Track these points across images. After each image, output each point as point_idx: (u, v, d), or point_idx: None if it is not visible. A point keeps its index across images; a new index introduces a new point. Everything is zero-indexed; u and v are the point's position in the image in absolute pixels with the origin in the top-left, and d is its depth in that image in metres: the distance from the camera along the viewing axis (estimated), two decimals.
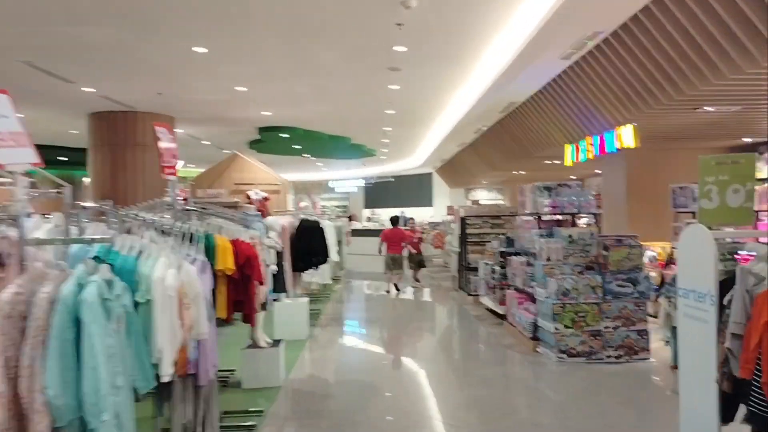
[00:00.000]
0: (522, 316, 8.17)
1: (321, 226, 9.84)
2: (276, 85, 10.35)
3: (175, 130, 14.41)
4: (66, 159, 17.59)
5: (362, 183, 29.90)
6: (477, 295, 11.73)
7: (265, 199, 12.44)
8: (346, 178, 29.82)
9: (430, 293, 14.68)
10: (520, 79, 9.17)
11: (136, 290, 2.73)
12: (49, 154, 17.38)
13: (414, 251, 13.94)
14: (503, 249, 9.94)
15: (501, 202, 23.95)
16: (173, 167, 4.83)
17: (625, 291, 7.15)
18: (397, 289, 13.01)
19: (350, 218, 29.96)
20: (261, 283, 4.71)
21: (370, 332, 9.85)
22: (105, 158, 11.91)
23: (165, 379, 2.71)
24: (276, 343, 6.59)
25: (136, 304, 2.71)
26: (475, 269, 12.05)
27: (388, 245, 12.93)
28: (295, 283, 9.84)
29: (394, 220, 13.52)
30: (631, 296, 7.14)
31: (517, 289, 8.79)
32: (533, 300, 7.96)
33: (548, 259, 7.46)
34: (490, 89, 9.90)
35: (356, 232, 26.14)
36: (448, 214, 21.74)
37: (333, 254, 12.32)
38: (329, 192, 32.56)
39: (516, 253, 9.24)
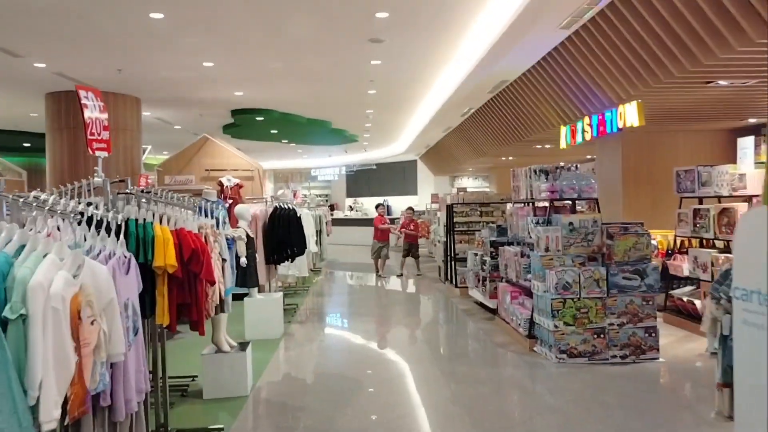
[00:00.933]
0: (516, 311, 7.45)
1: (297, 215, 9.04)
2: (246, 60, 9.48)
3: (143, 113, 13.55)
4: (29, 145, 16.55)
5: (344, 171, 29.02)
6: (465, 287, 11.04)
7: (239, 186, 11.59)
8: (328, 165, 28.93)
9: (415, 284, 13.97)
10: (514, 52, 8.39)
11: (3, 302, 1.93)
12: (13, 140, 16.37)
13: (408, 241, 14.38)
14: (494, 238, 9.22)
15: (487, 189, 23.25)
16: (104, 142, 3.99)
17: (632, 284, 6.45)
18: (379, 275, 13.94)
19: (332, 207, 29.17)
20: (211, 283, 3.90)
21: (350, 328, 9.08)
22: (63, 142, 10.97)
23: (47, 427, 1.90)
24: (243, 346, 5.80)
25: (5, 323, 1.91)
26: (463, 260, 11.35)
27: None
28: (269, 276, 9.05)
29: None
30: (638, 290, 6.44)
31: (510, 282, 8.07)
32: (529, 294, 7.24)
33: (546, 250, 6.72)
34: (480, 65, 9.11)
35: (338, 222, 25.44)
36: (433, 202, 21.04)
37: (311, 245, 11.53)
38: (312, 180, 31.64)
39: (509, 243, 8.52)
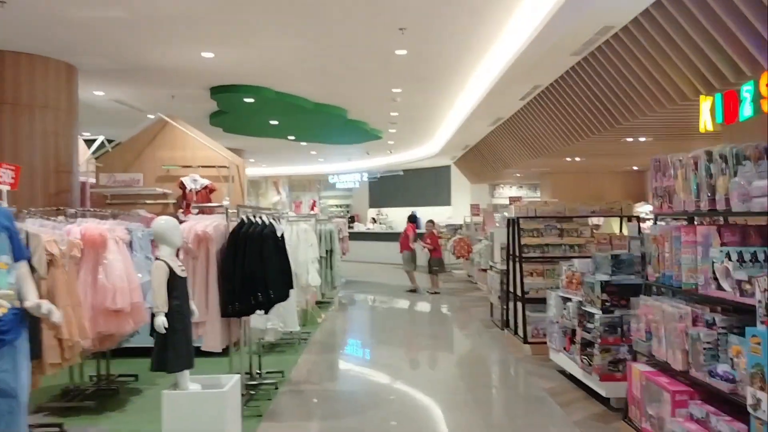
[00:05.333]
0: None
1: (273, 233, 5.43)
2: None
3: (94, 92, 10.09)
4: None
5: (366, 178, 25.36)
6: (539, 344, 7.39)
7: (208, 189, 8.04)
8: (348, 171, 25.30)
9: (459, 328, 10.31)
10: None
11: None
12: None
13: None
14: (606, 277, 5.53)
15: (537, 199, 19.44)
16: None
17: None
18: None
19: (352, 219, 25.62)
20: None
21: (365, 419, 5.36)
22: None
23: None
24: None
25: None
26: (537, 301, 7.66)
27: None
28: (230, 336, 5.45)
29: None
30: None
31: (660, 368, 4.34)
32: (719, 401, 3.52)
33: None
34: (565, 5, 5.52)
35: (358, 236, 21.93)
36: (473, 214, 17.33)
37: (311, 276, 7.91)
38: (330, 189, 28.07)
39: (646, 289, 4.78)
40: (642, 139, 10.25)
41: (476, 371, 7.40)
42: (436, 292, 13.48)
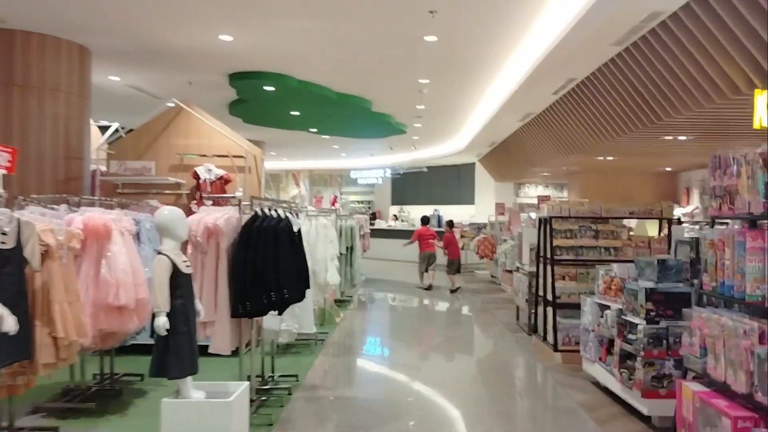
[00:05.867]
0: None
1: (289, 228, 5.04)
2: None
3: (111, 78, 9.79)
4: None
5: (389, 174, 24.90)
6: (571, 352, 6.95)
7: (223, 180, 7.68)
8: (371, 167, 24.87)
9: (483, 331, 9.87)
10: None
11: None
12: None
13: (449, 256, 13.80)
14: (651, 284, 5.05)
15: (565, 199, 18.84)
16: None
17: None
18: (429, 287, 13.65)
19: (374, 216, 25.24)
20: None
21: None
22: None
23: None
24: None
25: None
26: (568, 306, 7.21)
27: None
28: (241, 337, 5.08)
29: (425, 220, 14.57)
30: None
31: (716, 387, 3.85)
32: None
33: None
34: None
35: (380, 233, 21.55)
36: (498, 213, 16.82)
37: (331, 274, 7.52)
38: (352, 184, 27.68)
39: (700, 299, 4.29)
40: (682, 138, 9.67)
41: (502, 379, 6.94)
42: (453, 290, 13.37)
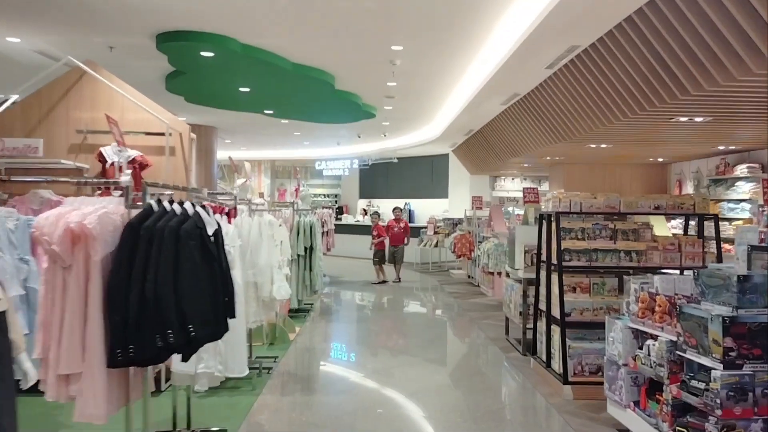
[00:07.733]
0: None
1: (200, 229, 3.37)
2: None
3: (7, 38, 7.85)
4: None
5: (356, 165, 23.23)
6: (584, 385, 5.46)
7: (139, 164, 5.93)
8: (337, 157, 23.15)
9: (469, 349, 8.36)
10: None
11: None
12: None
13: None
14: (730, 310, 3.54)
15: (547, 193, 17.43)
16: None
17: None
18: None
19: (340, 210, 23.59)
20: None
21: None
22: None
23: None
24: None
25: None
26: (580, 325, 5.74)
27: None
28: (125, 393, 3.39)
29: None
30: None
31: None
32: None
33: None
34: None
35: (345, 228, 20.00)
36: (476, 208, 15.35)
37: (279, 286, 5.85)
38: (318, 176, 25.91)
39: None
40: (699, 120, 8.24)
41: (497, 424, 5.37)
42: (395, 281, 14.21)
